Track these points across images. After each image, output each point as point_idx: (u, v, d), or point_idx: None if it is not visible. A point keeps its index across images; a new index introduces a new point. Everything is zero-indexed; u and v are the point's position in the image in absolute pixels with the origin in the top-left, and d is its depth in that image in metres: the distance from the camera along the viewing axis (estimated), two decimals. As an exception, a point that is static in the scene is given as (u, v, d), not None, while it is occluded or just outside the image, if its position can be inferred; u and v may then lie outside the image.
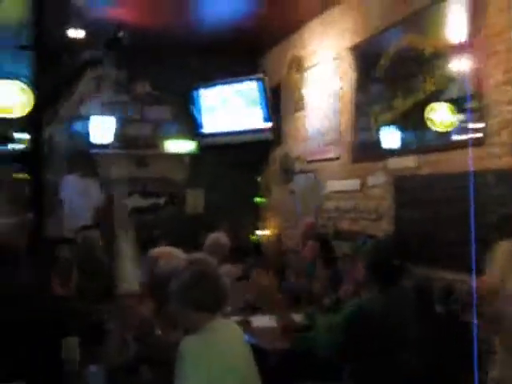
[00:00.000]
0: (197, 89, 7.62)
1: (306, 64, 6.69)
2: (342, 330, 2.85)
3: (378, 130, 5.11)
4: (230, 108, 7.50)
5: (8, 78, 6.44)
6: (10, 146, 8.20)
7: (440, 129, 4.17)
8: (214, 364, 2.11)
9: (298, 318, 4.01)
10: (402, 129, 4.79)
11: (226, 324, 2.38)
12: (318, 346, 2.97)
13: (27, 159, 2.02)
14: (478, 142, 3.82)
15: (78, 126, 7.44)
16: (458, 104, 4.05)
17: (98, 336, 2.76)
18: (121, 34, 2.81)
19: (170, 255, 2.82)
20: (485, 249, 3.20)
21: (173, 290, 2.28)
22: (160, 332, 2.62)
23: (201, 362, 2.09)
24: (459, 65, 4.07)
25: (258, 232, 8.01)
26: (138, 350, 2.59)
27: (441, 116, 4.16)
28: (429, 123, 4.21)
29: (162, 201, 7.86)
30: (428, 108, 4.21)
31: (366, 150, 5.35)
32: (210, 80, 7.49)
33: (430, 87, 4.37)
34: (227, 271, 4.84)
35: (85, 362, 2.54)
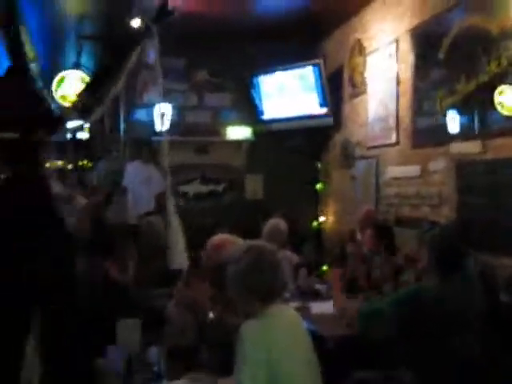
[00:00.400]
0: (257, 75, 7.64)
1: (368, 48, 6.60)
2: (394, 310, 2.84)
3: (439, 115, 4.99)
4: (287, 94, 7.49)
5: (70, 68, 6.65)
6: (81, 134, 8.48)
7: (507, 112, 4.04)
8: (274, 348, 2.15)
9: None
10: (465, 112, 4.66)
11: (284, 310, 2.41)
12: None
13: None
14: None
15: (139, 114, 7.60)
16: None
17: (158, 319, 2.84)
18: (169, 7, 2.88)
19: (229, 242, 2.86)
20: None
21: (230, 277, 2.32)
22: (215, 316, 2.67)
23: (260, 345, 2.13)
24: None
25: (319, 218, 8.01)
26: (197, 333, 2.65)
27: (508, 99, 4.03)
28: (498, 107, 4.08)
29: (221, 187, 7.94)
30: (497, 91, 4.08)
31: (427, 135, 5.24)
32: (268, 66, 7.48)
33: (494, 68, 4.23)
34: (285, 257, 4.88)
35: (147, 344, 2.63)
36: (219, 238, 3.04)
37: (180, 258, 4.67)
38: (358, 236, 5.60)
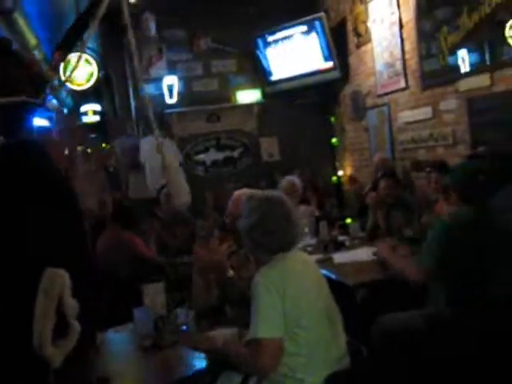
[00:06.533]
0: (260, 36, 7.55)
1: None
2: (436, 245, 2.84)
3: (445, 53, 4.93)
4: (292, 51, 7.41)
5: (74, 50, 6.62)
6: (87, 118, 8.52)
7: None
8: (287, 292, 2.11)
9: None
10: (470, 47, 4.60)
11: (296, 253, 2.36)
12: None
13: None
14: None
15: (148, 89, 7.60)
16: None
17: (183, 283, 2.91)
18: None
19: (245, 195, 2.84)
20: None
21: (240, 232, 2.32)
22: (234, 272, 2.71)
23: (272, 291, 2.10)
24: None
25: (337, 173, 8.01)
26: (219, 293, 2.71)
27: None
28: (510, 40, 4.04)
29: (236, 153, 7.95)
30: (509, 24, 4.03)
31: (435, 76, 5.19)
32: (270, 26, 7.39)
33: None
34: (305, 212, 4.93)
35: (173, 306, 2.70)
36: (238, 192, 3.04)
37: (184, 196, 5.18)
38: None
